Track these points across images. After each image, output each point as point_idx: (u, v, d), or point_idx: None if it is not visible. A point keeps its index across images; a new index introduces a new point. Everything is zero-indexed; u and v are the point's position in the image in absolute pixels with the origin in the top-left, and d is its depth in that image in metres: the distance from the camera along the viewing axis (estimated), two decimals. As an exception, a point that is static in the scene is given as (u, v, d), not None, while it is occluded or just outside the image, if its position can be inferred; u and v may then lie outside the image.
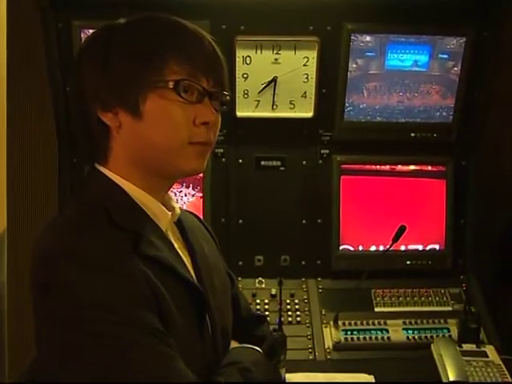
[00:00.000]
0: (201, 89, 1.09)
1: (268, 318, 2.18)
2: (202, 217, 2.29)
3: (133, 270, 0.99)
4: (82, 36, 2.10)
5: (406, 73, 2.29)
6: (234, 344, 1.26)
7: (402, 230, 2.15)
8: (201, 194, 2.32)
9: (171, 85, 1.06)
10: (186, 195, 2.32)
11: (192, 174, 1.18)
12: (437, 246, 2.42)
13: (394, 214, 2.39)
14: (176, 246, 1.18)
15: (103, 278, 0.96)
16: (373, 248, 2.41)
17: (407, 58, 2.26)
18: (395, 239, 2.17)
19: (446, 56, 2.27)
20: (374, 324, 2.21)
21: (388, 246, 2.20)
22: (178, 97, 1.06)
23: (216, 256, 1.36)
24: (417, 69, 2.28)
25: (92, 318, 0.93)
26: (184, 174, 1.18)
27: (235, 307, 1.36)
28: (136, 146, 1.09)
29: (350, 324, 2.21)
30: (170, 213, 1.18)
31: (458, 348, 1.98)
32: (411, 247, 2.40)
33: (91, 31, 1.20)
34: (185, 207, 2.31)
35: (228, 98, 1.17)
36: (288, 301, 2.30)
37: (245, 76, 2.25)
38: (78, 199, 1.13)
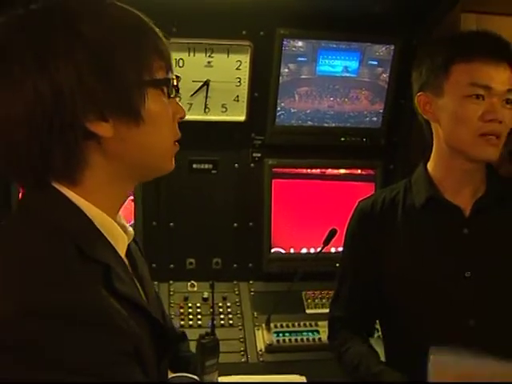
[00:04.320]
0: (173, 82, 0.99)
1: (200, 322, 2.22)
2: (133, 220, 2.31)
3: (119, 321, 0.84)
4: None
5: (336, 78, 2.34)
6: (169, 373, 1.21)
7: (332, 233, 2.18)
8: (132, 197, 2.29)
9: (170, 83, 0.97)
10: (116, 198, 2.27)
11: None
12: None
13: (324, 216, 2.43)
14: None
15: (88, 336, 0.80)
16: (304, 251, 2.45)
17: (338, 63, 2.31)
18: (326, 242, 2.20)
19: (375, 63, 2.33)
20: (305, 325, 2.26)
21: (319, 249, 2.23)
22: (167, 95, 0.97)
23: (149, 275, 1.16)
24: (347, 74, 2.33)
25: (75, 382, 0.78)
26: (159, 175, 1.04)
27: None
28: (128, 155, 0.94)
29: (281, 326, 2.25)
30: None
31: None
32: (341, 249, 2.41)
33: None
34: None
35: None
36: (220, 304, 2.31)
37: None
38: (35, 228, 0.89)
